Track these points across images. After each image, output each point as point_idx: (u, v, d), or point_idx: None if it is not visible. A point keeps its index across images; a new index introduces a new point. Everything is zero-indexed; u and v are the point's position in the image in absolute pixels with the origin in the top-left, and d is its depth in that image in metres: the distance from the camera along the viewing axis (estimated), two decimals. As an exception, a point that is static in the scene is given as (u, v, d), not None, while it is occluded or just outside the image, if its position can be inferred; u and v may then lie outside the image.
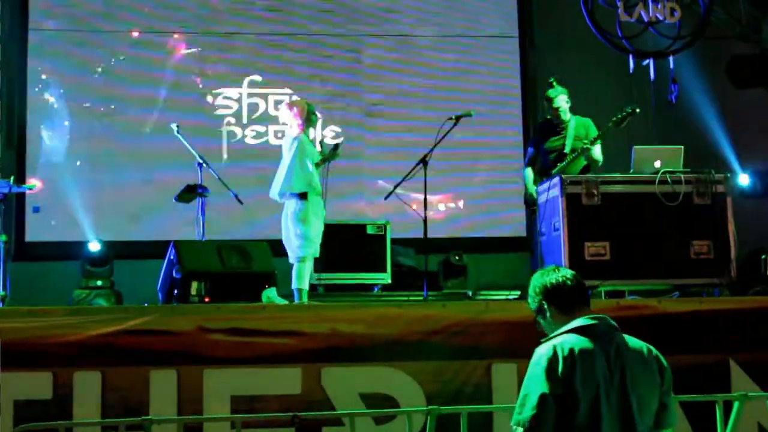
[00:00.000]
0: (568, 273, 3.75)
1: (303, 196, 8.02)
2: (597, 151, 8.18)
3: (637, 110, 7.97)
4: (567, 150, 8.17)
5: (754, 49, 12.61)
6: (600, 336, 3.55)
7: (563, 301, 3.68)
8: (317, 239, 8.11)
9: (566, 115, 8.39)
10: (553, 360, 3.47)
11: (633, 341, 3.64)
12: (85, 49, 11.87)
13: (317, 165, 8.15)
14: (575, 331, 3.57)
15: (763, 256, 7.99)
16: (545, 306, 3.71)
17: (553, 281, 3.70)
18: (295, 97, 8.35)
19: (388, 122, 12.34)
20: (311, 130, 8.51)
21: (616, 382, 3.50)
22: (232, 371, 6.07)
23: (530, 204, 8.41)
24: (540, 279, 3.74)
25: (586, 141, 8.08)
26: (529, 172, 8.49)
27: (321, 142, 8.69)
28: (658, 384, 3.60)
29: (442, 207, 12.10)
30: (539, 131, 8.60)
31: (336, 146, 8.42)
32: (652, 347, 3.66)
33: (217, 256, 7.41)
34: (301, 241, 8.00)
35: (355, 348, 6.22)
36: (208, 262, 7.37)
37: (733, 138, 12.18)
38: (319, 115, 8.60)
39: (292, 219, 8.05)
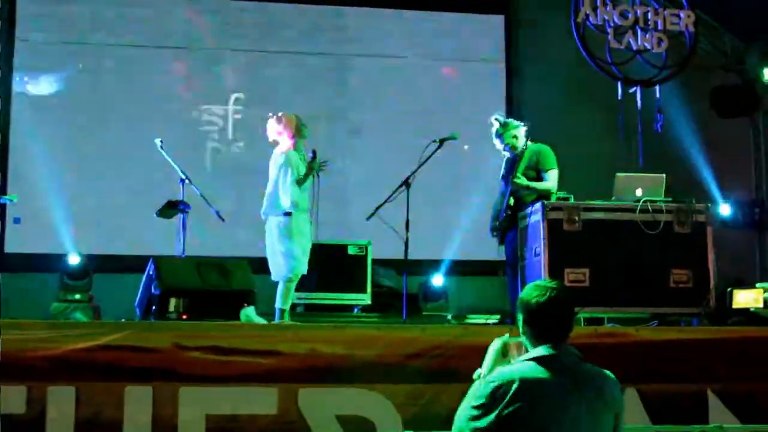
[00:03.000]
0: (558, 296, 3.60)
1: (288, 213, 7.96)
2: (547, 180, 8.08)
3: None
4: (513, 180, 8.11)
5: (737, 79, 12.71)
6: (559, 367, 3.48)
7: (539, 325, 3.58)
8: (304, 257, 8.04)
9: (520, 146, 8.27)
10: (495, 389, 3.43)
11: (594, 371, 3.58)
12: (71, 62, 11.85)
13: (299, 182, 8.03)
14: (535, 360, 3.50)
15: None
16: (522, 324, 3.63)
17: (536, 302, 3.57)
18: (281, 113, 8.27)
19: (372, 143, 12.35)
20: (303, 142, 8.35)
21: (572, 415, 3.43)
22: (208, 390, 6.02)
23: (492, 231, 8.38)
24: (527, 293, 3.63)
25: (540, 169, 8.04)
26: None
27: (314, 150, 8.51)
28: (614, 413, 3.58)
29: (423, 229, 12.06)
30: (504, 166, 8.51)
31: (316, 158, 8.24)
32: (610, 375, 3.62)
33: (196, 273, 7.38)
34: (287, 260, 7.94)
35: (333, 369, 6.19)
36: (187, 279, 7.34)
37: (716, 168, 12.23)
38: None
39: (276, 237, 7.98)
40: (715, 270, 7.55)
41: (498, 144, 8.36)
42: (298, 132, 8.24)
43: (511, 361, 3.65)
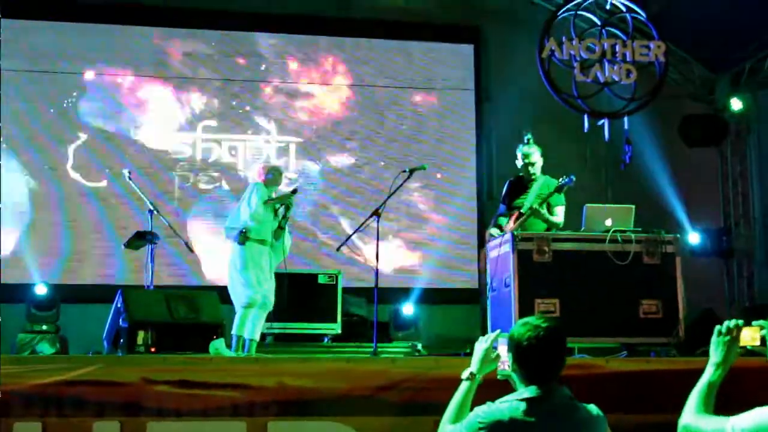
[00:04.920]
0: (549, 336, 3.54)
1: (241, 242, 8.13)
2: (555, 215, 8.14)
3: (573, 180, 7.95)
4: (524, 210, 8.10)
5: (706, 109, 12.82)
6: (549, 409, 3.49)
7: (529, 366, 3.56)
8: (259, 286, 8.11)
9: (538, 172, 8.31)
10: (482, 426, 3.45)
11: (583, 413, 3.58)
12: (38, 89, 11.78)
13: (266, 203, 8.23)
14: (525, 401, 3.50)
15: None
16: (512, 362, 3.61)
17: (527, 342, 3.54)
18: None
19: (343, 170, 12.34)
20: (276, 189, 8.62)
21: None
22: (176, 424, 5.95)
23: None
24: (518, 331, 3.59)
25: (550, 203, 8.07)
26: (495, 232, 8.35)
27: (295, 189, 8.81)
28: None
29: (394, 257, 12.08)
30: (509, 187, 8.49)
31: (293, 190, 8.60)
32: (598, 414, 3.62)
33: (164, 305, 7.32)
34: (242, 288, 8.09)
35: (302, 402, 6.13)
36: (156, 312, 7.27)
37: (685, 197, 12.31)
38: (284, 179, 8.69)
39: (230, 265, 8.20)
40: (684, 300, 7.56)
41: (523, 159, 8.30)
42: (270, 178, 8.52)
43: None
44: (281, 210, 8.44)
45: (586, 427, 3.55)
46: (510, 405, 3.50)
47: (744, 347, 3.65)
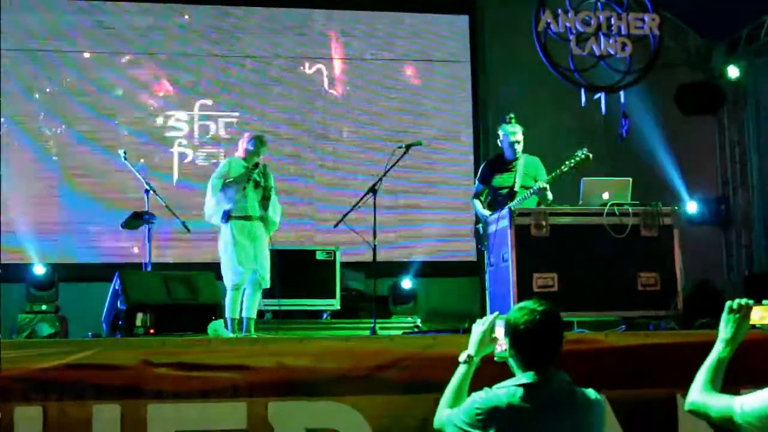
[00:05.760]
0: (546, 321, 3.54)
1: (224, 220, 8.11)
2: (549, 192, 8.17)
3: (590, 156, 7.95)
4: (517, 188, 8.16)
5: (702, 77, 12.78)
6: (546, 394, 3.49)
7: (526, 351, 3.55)
8: (244, 265, 8.04)
9: (520, 151, 8.35)
10: (477, 414, 3.47)
11: (581, 397, 3.58)
12: (33, 70, 11.72)
13: (228, 183, 8.14)
14: (522, 386, 3.50)
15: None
16: (509, 347, 3.60)
17: (523, 327, 3.53)
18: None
19: (339, 146, 12.31)
20: (260, 158, 8.43)
21: None
22: (177, 406, 5.96)
23: (480, 240, 8.35)
24: (514, 315, 3.58)
25: (537, 180, 8.10)
26: (478, 203, 8.43)
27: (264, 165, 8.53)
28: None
29: (392, 231, 12.07)
30: (489, 167, 8.52)
31: (253, 166, 8.30)
32: (596, 399, 3.63)
33: (162, 287, 7.31)
34: (227, 270, 8.06)
35: (302, 382, 6.14)
36: (154, 294, 7.27)
37: (682, 166, 12.30)
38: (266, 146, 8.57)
39: (219, 245, 8.20)
40: (682, 272, 7.57)
41: (509, 138, 8.32)
42: (249, 149, 8.39)
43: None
44: (260, 180, 8.25)
45: (584, 412, 3.56)
46: (507, 391, 3.50)
47: (753, 325, 3.64)
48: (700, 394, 3.38)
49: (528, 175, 8.23)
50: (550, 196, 8.06)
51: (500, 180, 8.32)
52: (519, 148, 8.31)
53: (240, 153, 8.41)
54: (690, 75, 12.76)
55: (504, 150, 8.42)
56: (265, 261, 8.26)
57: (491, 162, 8.59)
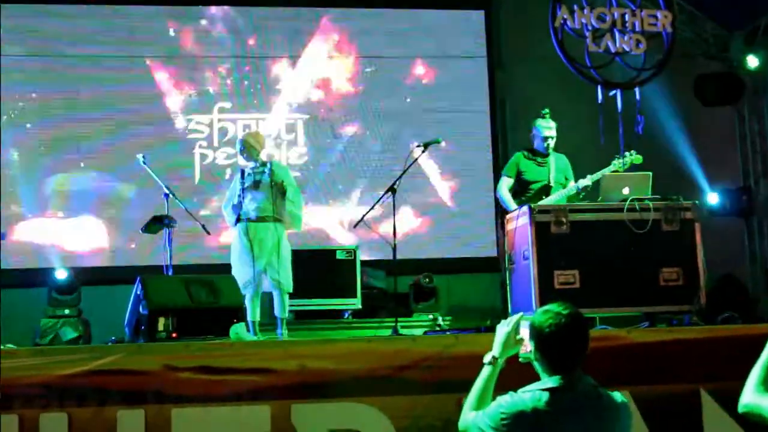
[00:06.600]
0: (572, 324, 3.53)
1: (234, 225, 8.45)
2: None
3: (641, 158, 8.04)
4: (553, 183, 8.22)
5: (721, 67, 12.69)
6: (571, 398, 3.48)
7: (552, 355, 3.55)
8: (247, 266, 8.21)
9: (552, 146, 8.41)
10: (501, 419, 3.46)
11: (606, 401, 3.56)
12: (53, 74, 11.74)
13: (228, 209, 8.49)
14: (548, 390, 3.49)
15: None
16: (534, 350, 3.60)
17: (548, 330, 3.53)
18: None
19: (357, 144, 12.29)
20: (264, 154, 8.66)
21: None
22: (200, 410, 5.99)
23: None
24: (539, 319, 3.58)
25: (567, 179, 8.18)
26: (508, 195, 8.43)
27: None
28: None
29: (412, 228, 12.06)
30: (520, 160, 8.53)
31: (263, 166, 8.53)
32: (622, 402, 3.61)
33: (184, 291, 7.30)
34: (234, 272, 8.33)
35: (324, 384, 6.16)
36: (175, 298, 7.26)
37: (702, 157, 12.24)
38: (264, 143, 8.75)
39: None
40: (704, 267, 7.53)
41: (542, 132, 8.44)
42: (241, 152, 8.70)
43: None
44: (264, 179, 8.36)
45: (610, 416, 3.54)
46: (533, 395, 3.49)
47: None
48: (753, 395, 3.25)
49: (560, 171, 8.27)
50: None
51: (533, 174, 8.34)
52: (552, 143, 8.35)
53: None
54: (708, 65, 12.67)
55: (535, 144, 8.45)
56: (277, 261, 8.32)
57: (523, 155, 8.57)
